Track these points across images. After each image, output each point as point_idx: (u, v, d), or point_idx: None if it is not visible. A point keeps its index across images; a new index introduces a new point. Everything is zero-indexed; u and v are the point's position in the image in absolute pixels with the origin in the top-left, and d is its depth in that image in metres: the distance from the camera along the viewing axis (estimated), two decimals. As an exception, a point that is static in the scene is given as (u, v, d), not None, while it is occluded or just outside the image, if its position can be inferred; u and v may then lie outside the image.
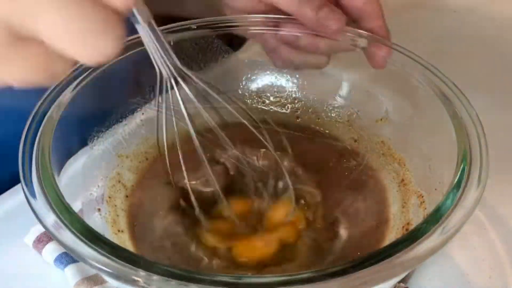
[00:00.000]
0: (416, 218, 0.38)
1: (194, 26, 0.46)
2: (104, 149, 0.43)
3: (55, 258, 0.43)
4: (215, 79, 0.46)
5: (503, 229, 0.45)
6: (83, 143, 0.42)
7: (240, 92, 0.51)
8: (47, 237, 0.44)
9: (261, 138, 0.40)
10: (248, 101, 0.51)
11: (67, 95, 0.39)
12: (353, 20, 0.45)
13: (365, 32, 0.44)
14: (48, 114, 0.37)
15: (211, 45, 0.47)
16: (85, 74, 0.40)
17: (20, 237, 0.44)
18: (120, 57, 0.41)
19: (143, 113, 0.46)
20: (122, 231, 0.41)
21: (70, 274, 0.42)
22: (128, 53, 0.42)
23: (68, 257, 0.43)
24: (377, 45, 0.43)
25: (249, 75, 0.51)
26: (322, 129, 0.49)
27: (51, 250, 0.43)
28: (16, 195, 0.48)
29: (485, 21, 0.71)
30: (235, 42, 0.50)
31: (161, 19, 0.44)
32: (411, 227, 0.32)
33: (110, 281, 0.36)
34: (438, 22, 0.70)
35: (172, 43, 0.44)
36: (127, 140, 0.45)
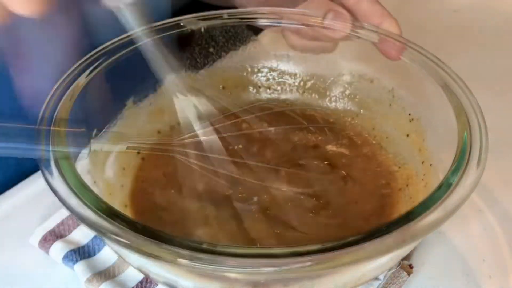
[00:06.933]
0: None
1: (226, 16, 0.48)
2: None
3: (64, 256, 0.42)
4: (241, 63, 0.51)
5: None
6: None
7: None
8: (53, 236, 0.43)
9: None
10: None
11: (82, 81, 0.39)
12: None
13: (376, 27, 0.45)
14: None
15: (241, 34, 0.50)
16: (99, 61, 0.41)
17: (24, 237, 0.44)
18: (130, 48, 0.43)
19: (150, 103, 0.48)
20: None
21: (80, 271, 0.41)
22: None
23: (76, 254, 0.42)
24: (389, 40, 0.44)
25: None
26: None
27: (59, 249, 0.43)
28: (10, 199, 0.48)
29: (485, 21, 0.72)
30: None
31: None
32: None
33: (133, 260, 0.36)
34: (438, 22, 0.71)
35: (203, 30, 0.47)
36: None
